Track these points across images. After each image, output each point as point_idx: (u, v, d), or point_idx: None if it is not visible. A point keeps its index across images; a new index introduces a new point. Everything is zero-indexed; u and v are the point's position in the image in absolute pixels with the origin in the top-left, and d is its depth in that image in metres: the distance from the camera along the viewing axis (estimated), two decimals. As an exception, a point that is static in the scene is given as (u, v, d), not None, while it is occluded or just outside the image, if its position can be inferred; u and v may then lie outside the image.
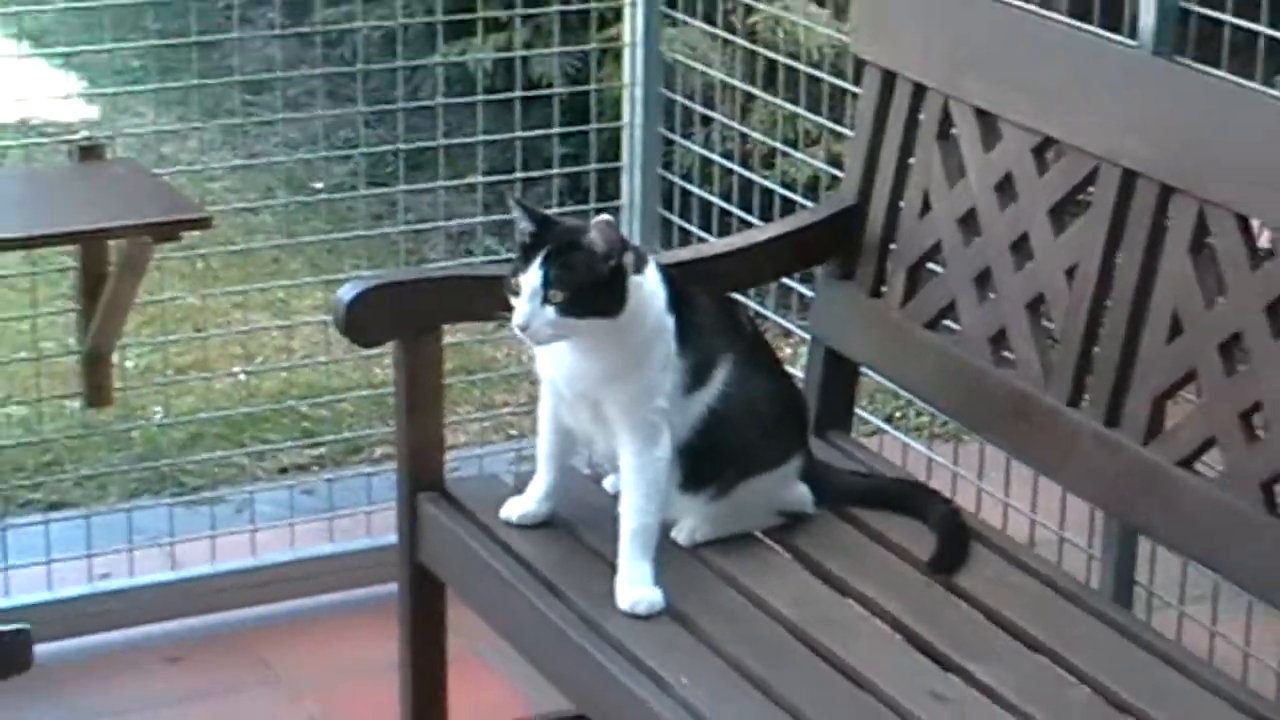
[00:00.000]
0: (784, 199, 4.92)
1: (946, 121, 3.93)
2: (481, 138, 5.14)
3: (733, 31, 5.31)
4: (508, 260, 3.53)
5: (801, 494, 3.69)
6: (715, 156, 5.19)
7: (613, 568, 3.46)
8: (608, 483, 3.68)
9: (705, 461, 3.55)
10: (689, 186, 5.15)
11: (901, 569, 3.59)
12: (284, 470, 5.28)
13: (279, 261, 5.62)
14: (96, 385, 4.53)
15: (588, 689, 3.40)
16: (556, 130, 5.15)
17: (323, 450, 5.34)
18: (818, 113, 4.96)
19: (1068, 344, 3.65)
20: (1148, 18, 3.74)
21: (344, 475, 5.10)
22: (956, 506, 3.80)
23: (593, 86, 5.29)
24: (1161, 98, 3.60)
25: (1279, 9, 3.97)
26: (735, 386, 3.55)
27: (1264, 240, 3.49)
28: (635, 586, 3.42)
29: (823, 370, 4.16)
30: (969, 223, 3.86)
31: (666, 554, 3.50)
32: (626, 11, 5.06)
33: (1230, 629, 4.03)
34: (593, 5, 5.21)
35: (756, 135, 5.20)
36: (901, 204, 4.02)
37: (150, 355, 5.23)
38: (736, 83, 5.23)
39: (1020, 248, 3.74)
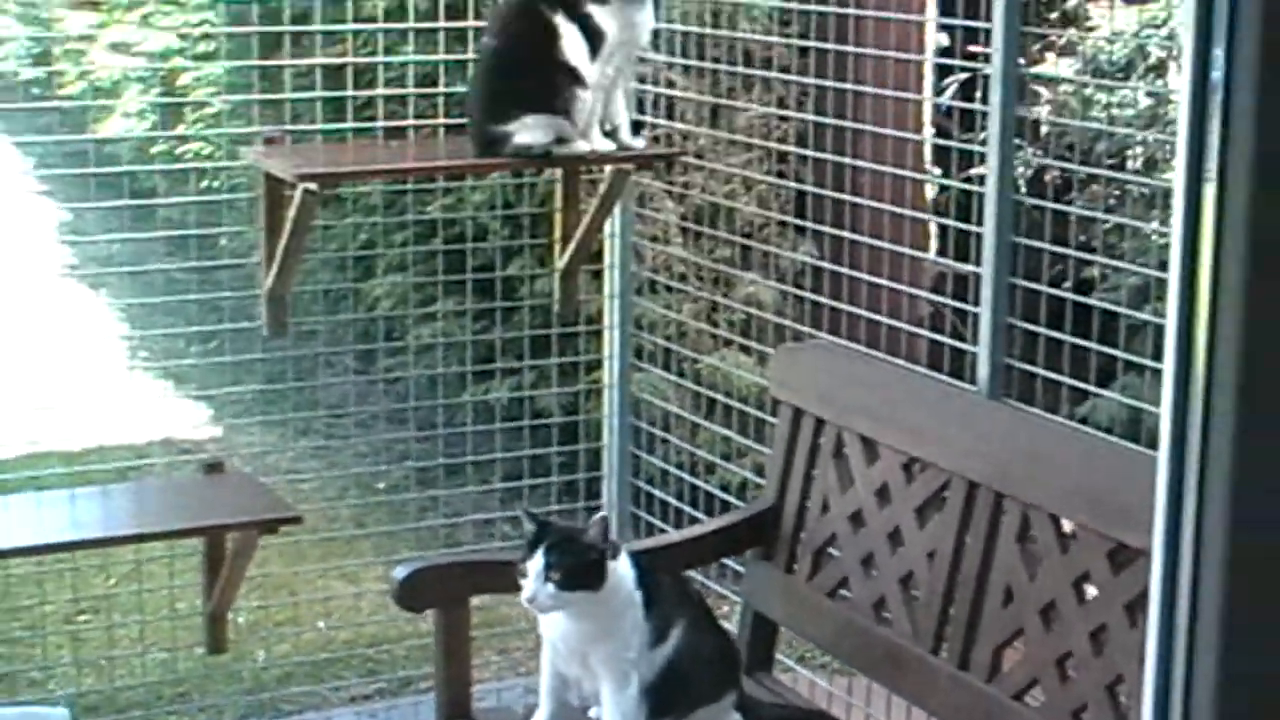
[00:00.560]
0: (722, 500, 4.93)
1: (840, 445, 3.89)
2: (499, 455, 5.21)
3: (683, 376, 5.30)
4: (519, 546, 3.62)
5: (735, 719, 3.64)
6: (671, 468, 5.16)
7: None
8: (592, 713, 3.60)
9: (665, 697, 3.51)
10: (652, 490, 5.13)
11: None
12: (353, 699, 5.20)
13: (351, 544, 5.66)
14: (216, 636, 4.56)
15: None
16: (555, 449, 5.17)
17: (382, 684, 5.25)
18: (746, 436, 4.96)
19: (929, 609, 3.61)
20: (983, 370, 3.83)
21: (399, 704, 5.04)
22: (848, 728, 3.81)
23: (581, 417, 5.30)
24: (994, 429, 3.63)
25: (1077, 359, 3.96)
26: (686, 642, 3.52)
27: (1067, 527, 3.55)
28: None
29: (751, 627, 4.09)
30: (857, 519, 3.82)
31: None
32: (605, 363, 5.16)
33: None
34: (581, 358, 5.26)
35: (701, 452, 5.17)
36: (808, 505, 3.97)
37: (256, 613, 5.19)
38: (686, 414, 5.23)
39: (894, 538, 3.72)
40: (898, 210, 4.71)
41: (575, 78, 4.21)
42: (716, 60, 5.22)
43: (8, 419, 5.35)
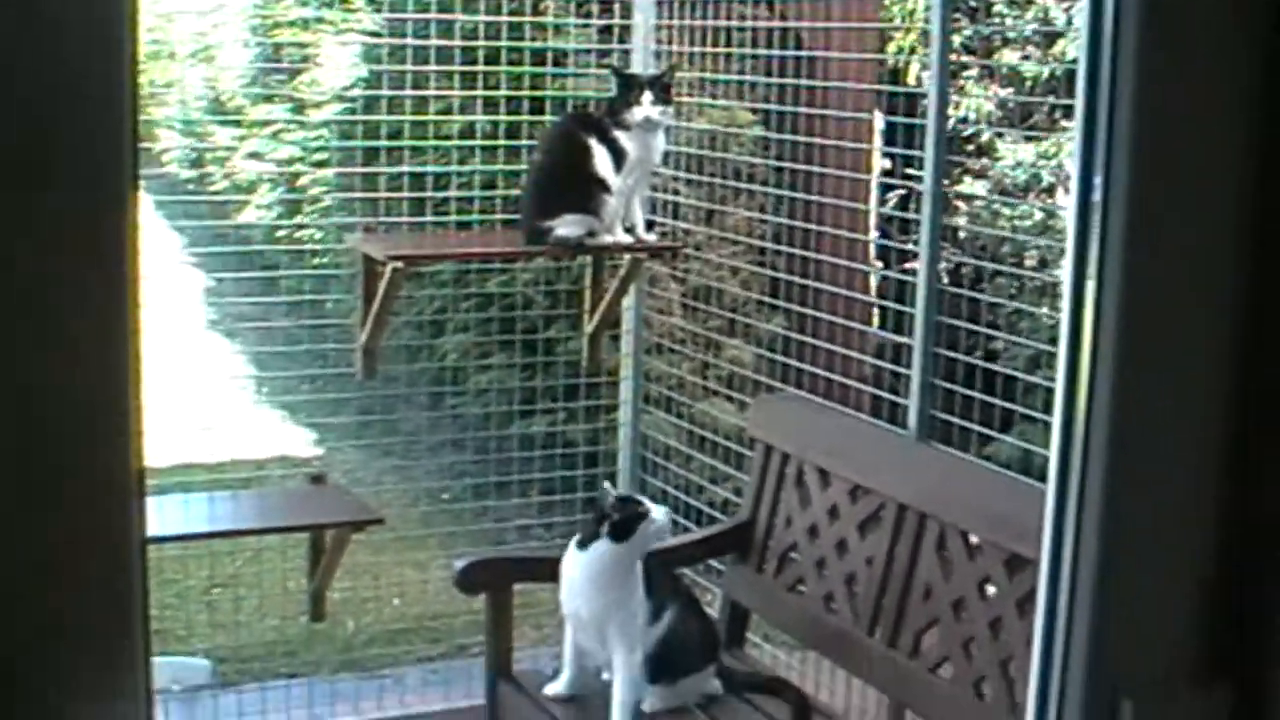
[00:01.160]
0: (708, 514, 4.90)
1: (801, 474, 3.88)
2: (537, 475, 5.14)
3: (681, 418, 5.27)
4: (550, 545, 3.61)
5: (715, 684, 3.66)
6: (670, 488, 5.10)
7: None
8: (604, 675, 3.62)
9: (661, 666, 3.51)
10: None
11: None
12: (420, 660, 5.16)
13: (420, 541, 5.64)
14: (317, 609, 4.56)
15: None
16: (580, 472, 5.10)
17: (443, 649, 5.23)
18: (728, 465, 4.94)
19: (867, 601, 3.60)
20: (913, 418, 3.83)
21: (455, 665, 5.01)
22: (803, 693, 3.75)
23: (601, 448, 5.27)
24: (920, 464, 3.65)
25: (985, 411, 3.93)
26: (677, 622, 3.53)
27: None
28: None
29: (728, 613, 4.09)
30: (813, 532, 3.81)
31: (638, 717, 3.50)
32: (621, 407, 5.15)
33: None
34: (603, 402, 5.23)
35: (693, 477, 5.13)
36: (775, 520, 3.96)
37: (347, 592, 5.18)
38: (682, 447, 5.19)
39: (841, 547, 3.72)
40: (849, 293, 4.71)
41: (604, 186, 4.21)
42: (712, 175, 5.24)
43: (163, 438, 5.36)
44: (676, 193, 5.29)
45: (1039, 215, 5.32)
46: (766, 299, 5.18)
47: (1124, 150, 1.35)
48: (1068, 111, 5.13)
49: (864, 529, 3.67)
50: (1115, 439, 1.38)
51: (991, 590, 3.27)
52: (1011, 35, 5.64)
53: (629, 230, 4.35)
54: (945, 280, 4.87)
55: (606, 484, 3.65)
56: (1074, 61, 4.49)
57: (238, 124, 7.49)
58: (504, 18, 4.86)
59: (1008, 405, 3.95)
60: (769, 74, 4.91)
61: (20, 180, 1.07)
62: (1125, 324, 1.37)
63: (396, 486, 5.96)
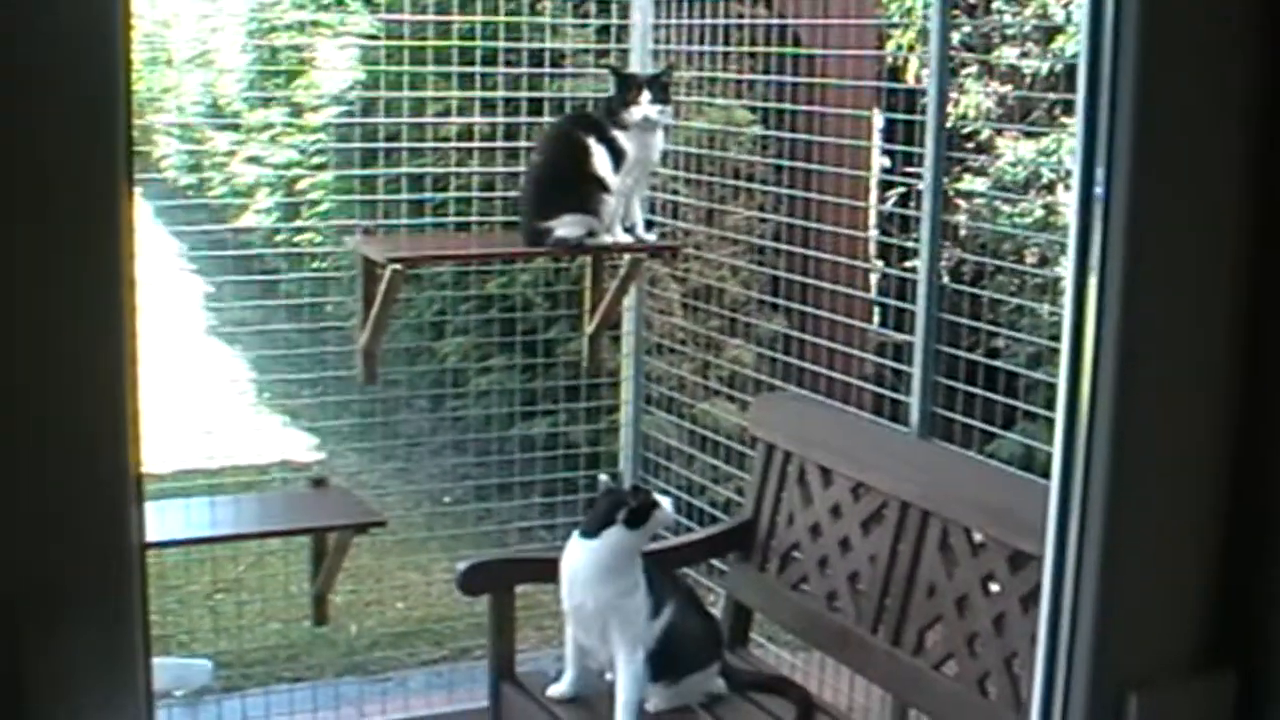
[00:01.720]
0: (710, 514, 4.89)
1: (803, 473, 3.87)
2: (539, 477, 5.14)
3: (682, 418, 5.27)
4: (552, 546, 3.60)
5: (719, 683, 3.65)
6: (672, 488, 4.97)
7: None
8: (607, 675, 3.60)
9: (663, 664, 3.50)
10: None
11: None
12: (423, 663, 5.17)
13: (423, 544, 5.64)
14: (320, 612, 4.53)
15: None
16: (582, 473, 5.09)
17: (446, 652, 5.23)
18: (729, 464, 4.94)
19: (870, 599, 3.60)
20: (914, 416, 3.83)
21: (459, 667, 5.01)
22: (807, 692, 3.75)
23: (602, 449, 5.27)
24: (922, 461, 3.62)
25: (987, 408, 3.96)
26: (678, 619, 3.51)
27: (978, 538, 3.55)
28: None
29: (731, 612, 4.08)
30: (815, 530, 3.81)
31: (641, 717, 3.49)
32: (622, 407, 5.14)
33: None
34: (604, 403, 5.22)
35: (694, 477, 5.11)
36: (777, 518, 3.95)
37: (350, 595, 5.19)
38: (684, 447, 5.19)
39: (844, 545, 3.71)
40: (849, 291, 4.71)
41: (603, 186, 4.21)
42: (712, 174, 5.23)
43: (163, 444, 5.36)
44: (676, 192, 5.29)
45: (1039, 212, 5.30)
46: (767, 298, 5.17)
47: (1125, 145, 1.34)
48: (1067, 107, 5.13)
49: (866, 527, 3.67)
50: (1118, 433, 1.38)
51: (995, 587, 3.27)
52: (1010, 32, 5.63)
53: (629, 230, 4.35)
54: (946, 278, 4.87)
55: (604, 476, 3.65)
56: (1073, 57, 4.49)
57: (236, 128, 7.49)
58: (501, 18, 4.86)
59: (1010, 402, 3.94)
60: (767, 72, 4.90)
61: (14, 185, 1.07)
62: (1128, 319, 1.37)
63: (398, 489, 5.97)
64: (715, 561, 4.50)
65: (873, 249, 5.30)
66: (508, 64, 4.89)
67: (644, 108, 4.16)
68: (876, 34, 5.60)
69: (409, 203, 4.93)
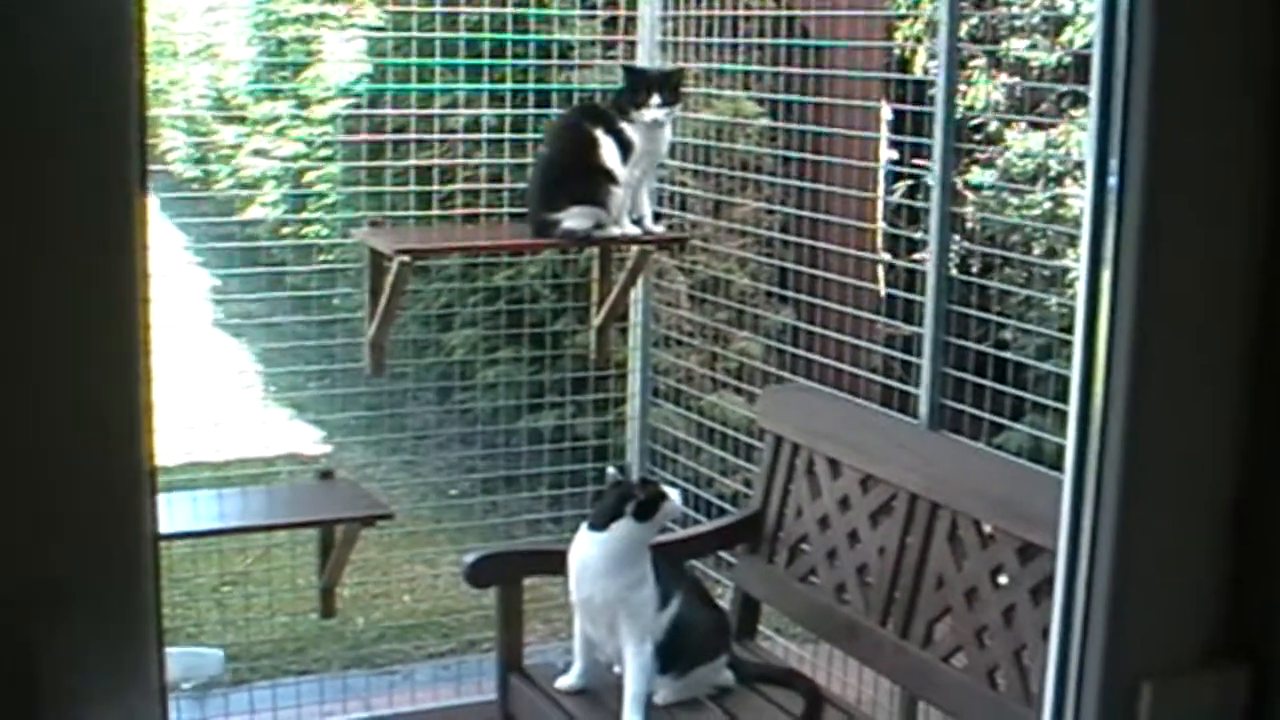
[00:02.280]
0: (718, 506, 4.89)
1: (811, 464, 3.88)
2: (546, 470, 5.15)
3: (689, 410, 5.26)
4: (560, 539, 3.60)
5: (727, 675, 3.66)
6: (680, 481, 5.01)
7: (619, 717, 3.46)
8: (615, 668, 3.61)
9: (671, 655, 3.51)
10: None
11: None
12: (430, 656, 5.17)
13: (430, 537, 5.65)
14: (327, 605, 4.56)
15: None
16: (589, 466, 5.09)
17: (454, 645, 5.24)
18: (737, 457, 4.93)
19: (879, 592, 3.60)
20: (924, 407, 3.82)
21: (466, 660, 5.03)
22: (816, 684, 3.75)
23: (610, 441, 5.28)
24: (931, 453, 3.62)
25: (998, 394, 3.94)
26: (685, 610, 3.52)
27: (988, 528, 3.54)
28: None
29: (740, 605, 4.09)
30: (824, 522, 3.81)
31: (650, 709, 3.50)
32: (629, 400, 5.15)
33: None
34: (611, 395, 5.24)
35: (702, 469, 5.13)
36: (785, 510, 3.96)
37: (357, 588, 5.21)
38: (691, 439, 5.18)
39: (853, 537, 3.71)
40: (857, 283, 4.70)
41: (611, 178, 4.21)
42: (719, 166, 5.23)
43: (171, 437, 5.36)
44: (683, 184, 5.28)
45: (1048, 204, 5.30)
46: (775, 289, 5.16)
47: (1139, 136, 1.34)
48: (1076, 99, 5.12)
49: (875, 519, 3.67)
50: (1131, 424, 1.38)
51: (1004, 579, 3.27)
52: (1019, 23, 5.62)
53: (636, 222, 4.35)
54: (953, 270, 4.87)
55: (611, 469, 3.64)
56: (1084, 48, 4.48)
57: (242, 121, 7.49)
58: (509, 9, 4.85)
59: (1019, 393, 3.93)
60: (775, 64, 4.90)
61: (29, 179, 1.07)
62: (1141, 311, 1.37)
63: (405, 482, 5.97)
64: (723, 554, 4.50)
65: (879, 240, 5.29)
66: (515, 56, 4.88)
67: (653, 110, 4.17)
68: (884, 25, 5.59)
69: (416, 195, 4.93)
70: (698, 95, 5.19)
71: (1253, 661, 1.43)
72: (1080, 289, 1.40)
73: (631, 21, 4.98)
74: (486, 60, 4.85)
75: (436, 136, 5.01)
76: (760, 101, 5.28)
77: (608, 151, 4.19)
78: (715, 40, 5.03)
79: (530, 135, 4.87)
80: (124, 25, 1.08)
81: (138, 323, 1.13)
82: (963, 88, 5.29)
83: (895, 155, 5.29)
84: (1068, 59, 5.14)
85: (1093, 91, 1.37)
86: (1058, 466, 3.52)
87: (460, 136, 5.05)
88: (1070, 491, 1.42)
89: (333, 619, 4.73)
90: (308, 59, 6.31)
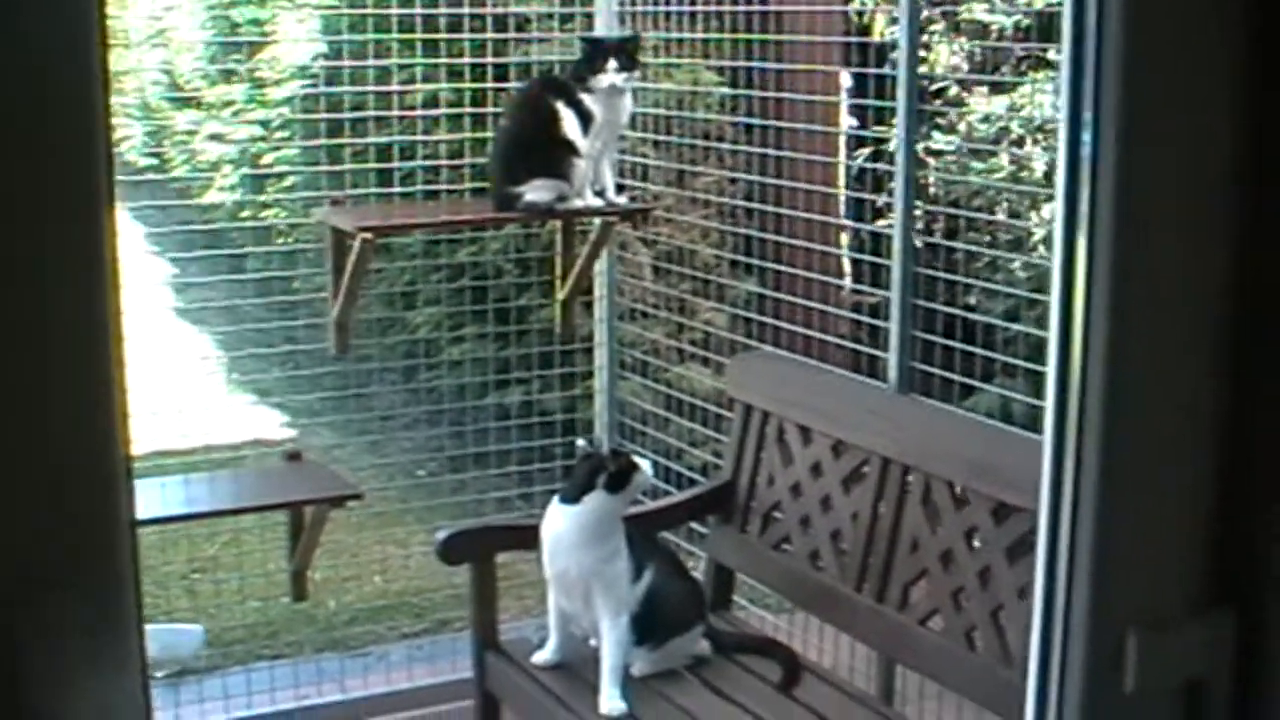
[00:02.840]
0: (688, 477, 4.89)
1: (781, 432, 3.88)
2: (514, 446, 5.12)
3: (657, 382, 5.26)
4: (530, 514, 3.59)
5: (703, 645, 3.66)
6: (649, 453, 4.95)
7: (597, 690, 3.46)
8: (591, 641, 3.61)
9: (647, 626, 3.51)
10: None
11: (762, 688, 3.56)
12: (404, 636, 5.18)
13: (399, 517, 5.63)
14: (298, 588, 4.52)
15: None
16: (557, 441, 5.10)
17: (426, 624, 5.23)
18: (706, 427, 4.93)
19: (853, 557, 3.60)
20: (893, 371, 3.84)
21: (439, 639, 5.02)
22: (792, 651, 3.75)
23: (578, 415, 5.26)
24: (901, 416, 3.63)
25: (970, 357, 3.95)
26: (659, 581, 3.52)
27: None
28: (611, 700, 3.43)
29: (713, 575, 4.09)
30: (796, 490, 3.81)
31: (627, 681, 3.50)
32: (596, 373, 5.15)
33: (948, 715, 3.94)
34: (578, 370, 5.23)
35: (671, 440, 5.11)
36: (757, 479, 3.95)
37: (327, 571, 5.17)
38: (659, 411, 5.17)
39: (825, 503, 3.71)
40: (823, 249, 4.71)
41: (572, 150, 4.20)
42: (681, 136, 5.22)
43: (136, 425, 5.30)
44: (645, 156, 5.27)
45: (1010, 167, 5.30)
46: (739, 258, 5.16)
47: (1112, 99, 1.34)
48: (1036, 62, 5.13)
49: (847, 485, 3.67)
50: (1111, 379, 1.38)
51: (979, 541, 3.28)
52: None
53: (599, 194, 4.34)
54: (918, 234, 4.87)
55: (581, 441, 3.64)
56: (1046, 8, 4.48)
57: (197, 105, 7.43)
58: (465, -17, 4.82)
59: (989, 354, 3.95)
60: (735, 32, 4.89)
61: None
62: (1118, 268, 1.37)
63: (373, 463, 5.95)
64: (696, 526, 4.51)
65: (842, 206, 5.29)
66: (472, 30, 4.85)
67: (610, 76, 4.16)
68: (842, -10, 5.58)
69: (376, 173, 4.90)
70: (657, 66, 5.18)
71: (1238, 609, 1.44)
72: (1056, 246, 1.41)
73: (589, -7, 4.97)
74: (443, 35, 4.82)
75: (395, 114, 4.98)
76: (719, 70, 5.26)
77: (568, 123, 4.17)
78: (673, 8, 5.02)
79: (490, 109, 4.84)
80: (87, 34, 1.08)
81: (110, 310, 1.13)
82: (922, 53, 5.28)
83: (855, 121, 5.29)
84: (1027, 21, 5.15)
85: (1063, 54, 1.37)
86: (1028, 427, 3.54)
87: (419, 113, 5.02)
88: (1051, 444, 1.42)
89: (305, 602, 4.70)
90: (262, 39, 6.26)
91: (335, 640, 5.11)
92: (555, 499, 3.57)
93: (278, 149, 6.47)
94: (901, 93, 3.74)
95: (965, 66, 5.64)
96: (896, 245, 3.81)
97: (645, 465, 3.58)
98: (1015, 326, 4.03)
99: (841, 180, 5.25)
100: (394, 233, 4.95)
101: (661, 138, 5.21)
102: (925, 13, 4.85)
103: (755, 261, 4.92)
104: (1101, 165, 1.35)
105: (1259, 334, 1.41)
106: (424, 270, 5.84)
